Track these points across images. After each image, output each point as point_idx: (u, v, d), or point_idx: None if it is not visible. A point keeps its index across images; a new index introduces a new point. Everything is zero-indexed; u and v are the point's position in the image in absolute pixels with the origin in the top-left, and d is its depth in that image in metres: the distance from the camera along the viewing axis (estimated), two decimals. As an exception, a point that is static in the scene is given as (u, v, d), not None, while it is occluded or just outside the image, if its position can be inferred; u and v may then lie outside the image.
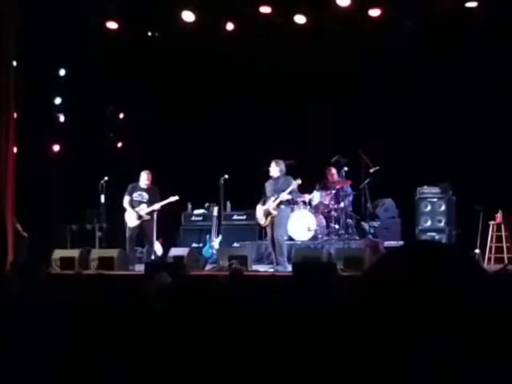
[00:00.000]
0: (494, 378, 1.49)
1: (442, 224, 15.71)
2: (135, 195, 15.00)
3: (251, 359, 3.11)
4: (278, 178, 14.17)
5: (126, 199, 15.01)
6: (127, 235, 15.02)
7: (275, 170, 14.17)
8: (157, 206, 14.90)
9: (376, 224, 16.16)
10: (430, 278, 1.53)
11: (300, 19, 15.76)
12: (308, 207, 15.84)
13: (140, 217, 14.87)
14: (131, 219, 14.92)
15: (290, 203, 14.41)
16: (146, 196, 14.96)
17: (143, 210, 14.87)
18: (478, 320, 1.48)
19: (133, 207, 14.94)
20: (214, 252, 15.58)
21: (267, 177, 14.43)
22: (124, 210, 15.07)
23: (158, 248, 15.85)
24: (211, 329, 3.46)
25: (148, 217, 14.89)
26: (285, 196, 13.96)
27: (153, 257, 15.13)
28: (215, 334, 3.37)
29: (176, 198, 15.06)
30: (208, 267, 14.85)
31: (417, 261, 1.57)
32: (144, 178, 15.02)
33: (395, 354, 1.49)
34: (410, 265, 1.56)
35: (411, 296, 1.50)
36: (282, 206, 14.04)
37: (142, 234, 15.09)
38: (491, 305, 1.52)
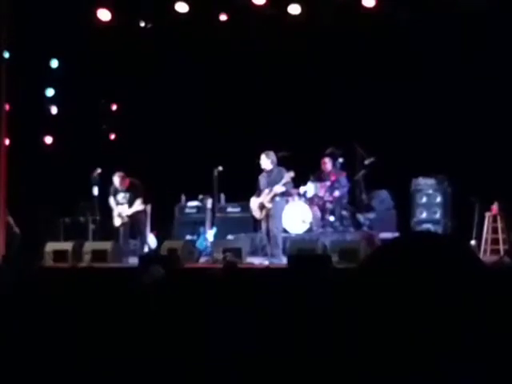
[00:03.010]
0: (491, 368, 1.47)
1: (438, 215, 15.74)
2: (119, 197, 14.99)
3: (246, 351, 3.07)
4: (271, 170, 14.15)
5: (111, 199, 15.08)
6: (121, 233, 15.05)
7: (266, 162, 14.16)
8: (132, 210, 14.84)
9: (371, 216, 16.17)
10: (426, 268, 1.50)
11: (294, 9, 15.76)
12: (303, 199, 15.83)
13: (122, 218, 14.89)
14: (116, 218, 14.97)
15: (285, 195, 14.38)
16: (127, 196, 14.95)
17: (124, 212, 14.87)
18: (476, 311, 1.45)
19: (117, 206, 14.96)
20: (208, 244, 15.57)
21: (260, 169, 14.40)
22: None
23: (152, 240, 15.82)
24: (205, 321, 3.44)
25: (127, 219, 14.85)
26: (279, 189, 13.96)
27: (146, 249, 15.10)
28: (209, 327, 3.35)
29: (142, 207, 14.95)
30: (202, 260, 14.87)
31: (412, 252, 1.54)
32: (116, 182, 14.98)
33: (392, 346, 1.46)
34: (406, 256, 1.54)
35: (407, 287, 1.48)
36: (277, 199, 14.03)
37: (133, 228, 15.09)
38: (489, 295, 1.49)
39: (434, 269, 1.49)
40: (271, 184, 14.01)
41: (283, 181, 13.92)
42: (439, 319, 1.45)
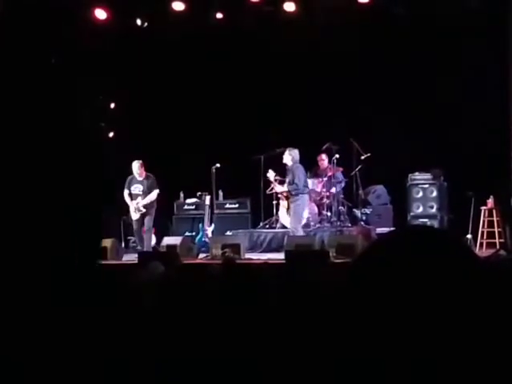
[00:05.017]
0: (488, 364, 1.49)
1: (434, 210, 15.75)
2: (133, 188, 14.94)
3: (245, 348, 3.09)
4: (290, 167, 14.32)
5: (126, 192, 14.97)
6: (134, 228, 15.10)
7: (287, 158, 14.33)
8: (146, 201, 14.80)
9: (368, 211, 16.19)
10: (421, 262, 1.53)
11: (289, 7, 15.78)
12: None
13: (138, 210, 14.86)
14: (132, 212, 14.96)
15: (298, 194, 14.39)
16: (141, 188, 14.90)
17: (139, 202, 14.84)
18: (471, 306, 1.48)
19: (131, 200, 14.93)
20: (207, 241, 15.58)
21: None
22: (119, 200, 15.07)
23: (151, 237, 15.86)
24: (205, 317, 3.45)
25: (144, 210, 14.83)
26: (278, 189, 14.22)
27: (145, 247, 15.05)
28: (209, 323, 3.36)
29: (157, 191, 14.95)
30: (201, 256, 14.87)
31: (407, 246, 1.57)
32: (135, 168, 14.93)
33: (385, 340, 1.49)
34: (401, 250, 1.56)
35: (403, 281, 1.51)
36: (297, 197, 14.21)
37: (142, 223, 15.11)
38: (484, 290, 1.52)
39: (429, 263, 1.51)
40: (288, 181, 14.31)
41: (294, 180, 14.14)
42: (434, 313, 1.46)
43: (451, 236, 1.60)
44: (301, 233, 14.32)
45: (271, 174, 15.15)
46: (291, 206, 14.30)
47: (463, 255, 1.56)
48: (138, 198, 14.84)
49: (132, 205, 14.88)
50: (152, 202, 14.89)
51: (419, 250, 1.53)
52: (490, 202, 14.72)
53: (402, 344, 1.46)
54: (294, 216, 14.28)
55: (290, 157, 14.30)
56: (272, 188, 15.38)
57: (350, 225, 15.78)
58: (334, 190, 15.71)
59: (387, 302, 1.48)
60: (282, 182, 14.78)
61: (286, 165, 14.52)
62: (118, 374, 2.89)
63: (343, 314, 1.56)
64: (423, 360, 1.46)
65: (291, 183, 14.23)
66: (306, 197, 14.60)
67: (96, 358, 2.87)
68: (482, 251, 14.10)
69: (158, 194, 14.95)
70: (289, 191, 14.30)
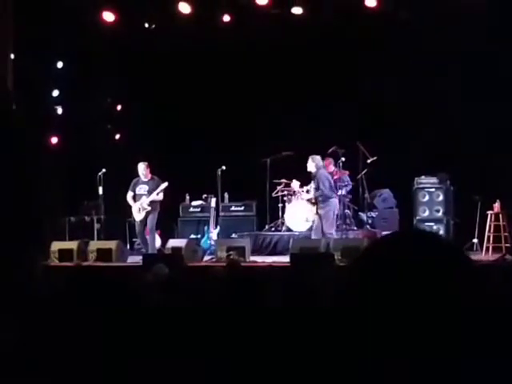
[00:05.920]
0: (481, 368, 1.50)
1: (440, 214, 15.74)
2: (138, 189, 14.93)
3: (249, 351, 3.10)
4: (314, 174, 14.39)
5: (129, 194, 14.94)
6: (136, 230, 15.09)
7: (311, 165, 14.41)
8: (152, 197, 14.77)
9: (374, 214, 16.21)
10: (419, 265, 1.54)
11: (297, 10, 15.82)
12: (306, 198, 15.89)
13: (142, 209, 14.82)
14: (136, 213, 14.92)
15: (326, 199, 14.43)
16: (146, 188, 14.89)
17: (144, 202, 14.80)
18: (467, 310, 1.49)
19: (135, 201, 14.89)
20: (212, 243, 15.60)
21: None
22: (124, 202, 15.08)
23: (156, 239, 15.87)
24: (209, 320, 3.46)
25: (149, 208, 14.78)
26: (305, 196, 14.47)
27: (150, 249, 15.03)
28: (213, 325, 3.37)
29: (166, 183, 14.92)
30: (206, 258, 14.89)
31: (407, 248, 1.58)
32: (141, 169, 14.92)
33: (380, 342, 1.50)
34: (400, 251, 1.57)
35: (399, 282, 1.52)
36: (325, 203, 14.32)
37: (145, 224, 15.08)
38: (478, 296, 1.53)
39: (425, 266, 1.52)
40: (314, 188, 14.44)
41: (319, 186, 14.28)
42: (429, 315, 1.47)
43: (449, 241, 1.62)
44: (335, 237, 14.28)
45: (296, 184, 15.34)
46: (320, 212, 14.34)
47: (459, 260, 1.57)
48: (143, 198, 14.82)
49: (135, 206, 14.87)
50: (156, 202, 14.87)
51: (417, 252, 1.54)
52: (497, 206, 14.70)
53: (399, 344, 1.47)
54: (326, 222, 14.29)
55: (313, 164, 14.38)
56: (291, 194, 15.52)
57: (355, 228, 15.80)
58: (339, 193, 15.70)
59: (384, 303, 1.49)
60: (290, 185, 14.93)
61: (310, 173, 14.59)
62: (119, 375, 2.89)
63: (343, 315, 1.57)
64: (422, 360, 1.47)
65: (317, 189, 14.32)
66: (334, 200, 14.58)
67: (98, 359, 2.88)
68: (488, 255, 14.09)
69: (165, 195, 14.92)
70: (316, 198, 14.41)
